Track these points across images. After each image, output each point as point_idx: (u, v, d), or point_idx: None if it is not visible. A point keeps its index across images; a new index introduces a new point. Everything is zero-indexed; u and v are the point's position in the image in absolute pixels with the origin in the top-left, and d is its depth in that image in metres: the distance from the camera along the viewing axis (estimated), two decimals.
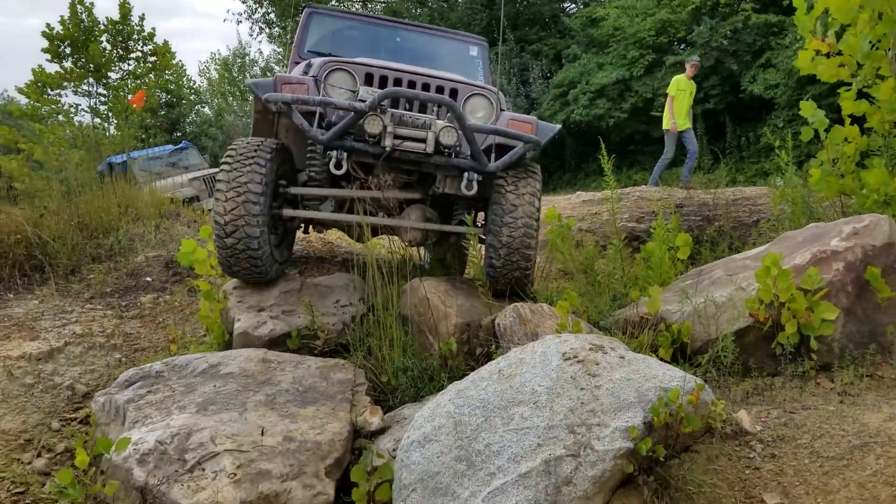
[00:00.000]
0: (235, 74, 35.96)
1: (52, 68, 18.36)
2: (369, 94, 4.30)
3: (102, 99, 19.16)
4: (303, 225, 5.51)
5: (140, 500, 2.96)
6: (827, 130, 5.43)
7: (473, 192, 4.42)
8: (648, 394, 2.84)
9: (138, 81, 19.82)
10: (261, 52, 50.80)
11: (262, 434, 3.22)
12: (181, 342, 4.87)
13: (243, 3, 30.46)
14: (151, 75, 20.93)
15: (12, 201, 7.72)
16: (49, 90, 18.54)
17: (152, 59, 20.74)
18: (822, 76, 5.45)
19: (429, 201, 4.93)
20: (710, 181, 9.56)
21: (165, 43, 20.75)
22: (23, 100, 18.82)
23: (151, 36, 20.38)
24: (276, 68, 32.45)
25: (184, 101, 32.23)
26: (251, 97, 5.04)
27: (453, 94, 4.52)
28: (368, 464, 3.14)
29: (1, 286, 5.83)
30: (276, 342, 4.38)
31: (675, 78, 11.03)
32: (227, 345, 4.54)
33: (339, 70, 4.43)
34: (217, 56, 43.06)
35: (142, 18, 20.06)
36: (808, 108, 5.52)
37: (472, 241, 4.38)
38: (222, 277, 4.73)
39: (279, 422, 3.35)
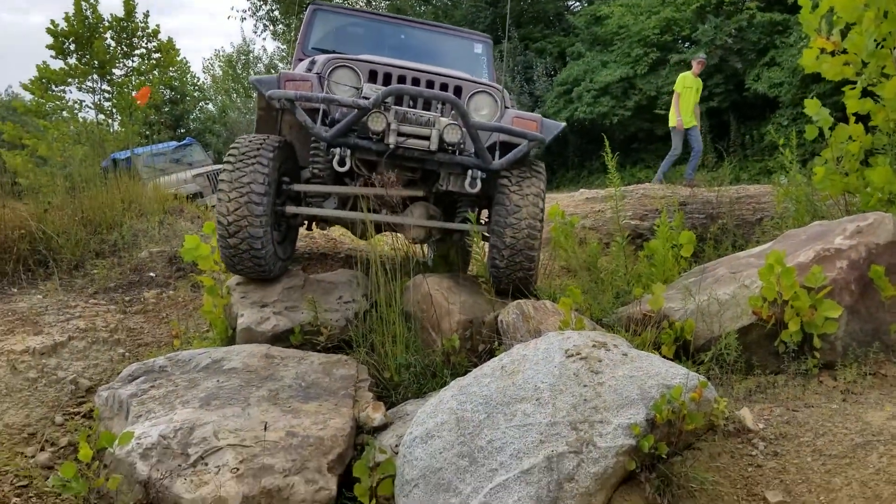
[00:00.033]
0: (239, 71, 35.97)
1: (57, 65, 18.41)
2: (373, 91, 4.29)
3: (106, 95, 19.20)
4: (306, 222, 5.51)
5: (143, 495, 2.96)
6: (831, 129, 5.42)
7: (477, 189, 4.41)
8: (651, 391, 2.84)
9: (142, 78, 19.84)
10: (265, 50, 50.93)
11: (265, 429, 3.22)
12: (184, 337, 4.88)
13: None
14: (155, 72, 20.95)
15: (17, 197, 7.72)
16: (53, 86, 18.58)
17: (156, 55, 20.76)
18: (826, 74, 5.44)
19: (432, 199, 4.91)
20: (713, 179, 9.56)
21: (170, 40, 20.77)
22: (27, 96, 18.89)
23: (156, 33, 20.39)
24: (281, 65, 32.47)
25: (188, 98, 32.28)
26: (255, 94, 5.03)
27: (457, 91, 4.51)
28: (371, 459, 3.14)
29: (5, 281, 5.84)
30: (280, 338, 4.39)
31: (682, 75, 11.01)
32: (231, 340, 4.55)
33: (342, 67, 4.41)
34: (221, 53, 43.09)
35: (146, 15, 20.07)
36: (812, 107, 5.51)
37: (475, 239, 4.38)
38: (226, 273, 4.73)
39: (282, 417, 3.35)
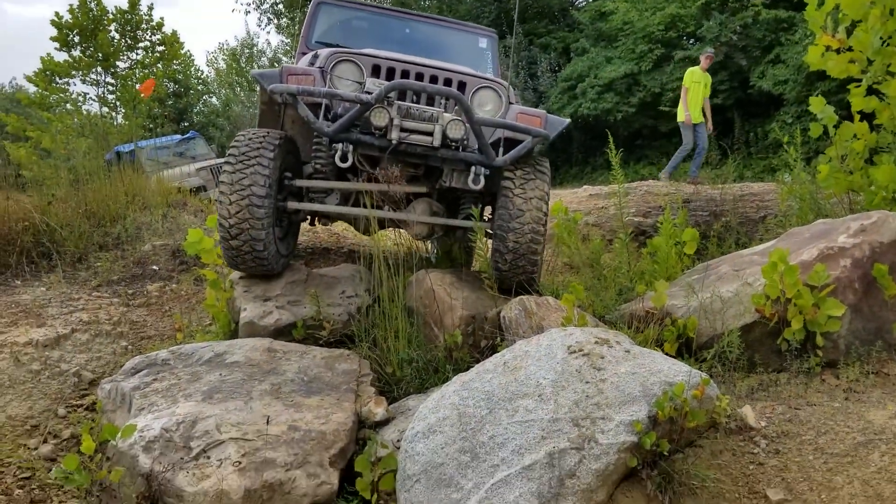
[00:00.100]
0: (243, 65, 35.96)
1: (61, 57, 18.44)
2: (376, 85, 4.26)
3: (110, 88, 19.23)
4: (308, 217, 5.49)
5: (145, 487, 2.97)
6: (836, 126, 5.41)
7: (480, 186, 4.38)
8: (653, 388, 2.84)
9: (146, 71, 19.86)
10: (269, 43, 50.82)
11: (267, 423, 3.23)
12: (187, 331, 4.89)
13: None
14: (159, 65, 20.96)
15: (20, 189, 7.74)
16: (57, 79, 18.61)
17: (161, 48, 20.77)
18: (831, 72, 5.43)
19: (435, 195, 4.89)
20: (717, 176, 9.55)
21: (174, 33, 20.78)
22: (31, 88, 18.90)
23: (160, 25, 20.40)
24: (284, 59, 32.43)
25: (191, 91, 32.28)
26: (258, 88, 5.01)
27: (461, 86, 4.47)
28: (372, 454, 3.15)
29: (8, 273, 5.86)
30: (282, 332, 4.39)
31: (690, 70, 10.97)
32: (233, 334, 4.55)
33: (345, 61, 4.38)
34: (225, 46, 43.06)
35: (150, 8, 20.07)
36: (817, 104, 5.50)
37: (478, 235, 4.37)
38: (228, 267, 4.74)
39: (284, 411, 3.36)
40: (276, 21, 31.52)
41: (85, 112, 17.26)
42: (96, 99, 18.99)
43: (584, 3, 24.96)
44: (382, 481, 3.08)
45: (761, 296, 3.68)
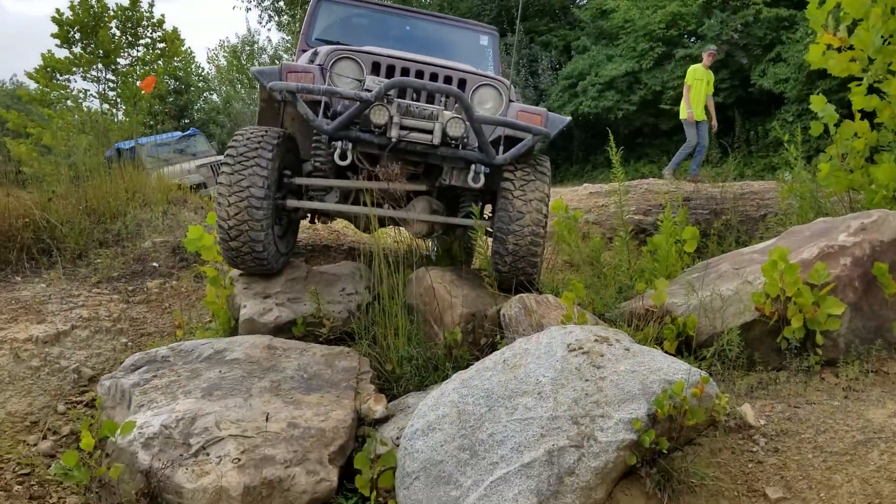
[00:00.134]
0: (244, 62, 35.93)
1: (62, 53, 18.45)
2: (376, 83, 4.23)
3: (111, 85, 19.22)
4: (308, 215, 5.48)
5: (144, 484, 2.97)
6: (837, 125, 5.41)
7: (480, 184, 4.36)
8: (653, 386, 2.84)
9: (147, 68, 19.85)
10: (269, 41, 50.73)
11: (267, 420, 3.23)
12: (187, 328, 4.89)
13: None
14: (160, 62, 20.96)
15: (21, 185, 7.73)
16: (58, 75, 18.61)
17: (161, 45, 20.76)
18: (832, 71, 5.42)
19: (435, 193, 4.87)
20: (718, 175, 9.54)
21: (175, 30, 20.78)
22: (32, 84, 18.91)
23: (161, 22, 20.39)
24: (285, 56, 32.41)
25: (192, 88, 32.26)
26: (258, 85, 5.00)
27: (462, 84, 4.46)
28: (372, 451, 3.15)
29: (9, 269, 5.86)
30: (282, 329, 4.39)
31: (692, 67, 10.93)
32: (233, 331, 4.55)
33: (345, 59, 4.36)
34: (226, 43, 43.04)
35: (151, 5, 20.07)
36: (818, 103, 5.50)
37: (478, 233, 4.37)
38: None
39: (284, 408, 3.36)
40: (276, 18, 31.47)
41: (85, 109, 17.29)
42: (97, 96, 19.00)
43: (586, 1, 24.91)
44: (382, 478, 3.08)
45: (761, 294, 3.69)
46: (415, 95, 4.37)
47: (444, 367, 3.97)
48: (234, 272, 4.84)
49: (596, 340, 3.15)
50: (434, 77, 4.41)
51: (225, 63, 37.81)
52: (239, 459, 2.98)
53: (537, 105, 15.17)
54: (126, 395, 3.55)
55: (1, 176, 7.22)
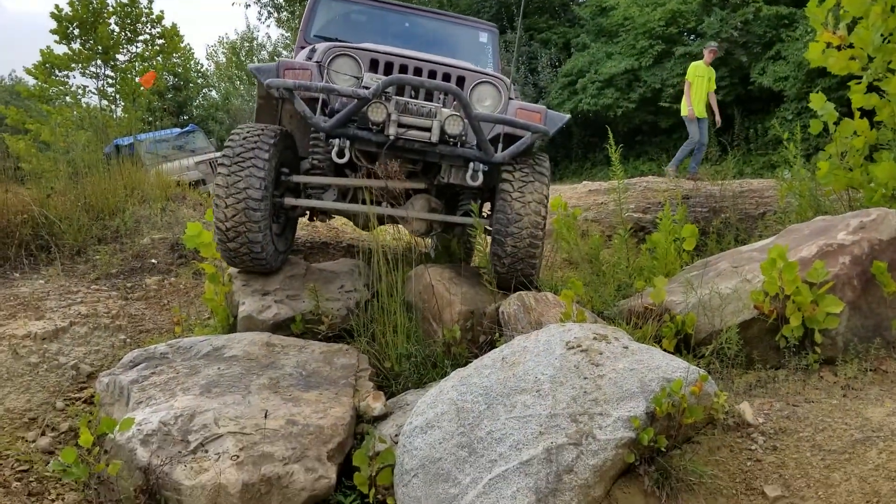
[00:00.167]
0: (243, 58, 35.87)
1: (61, 50, 18.42)
2: (373, 80, 4.21)
3: (110, 81, 19.20)
4: (308, 212, 5.47)
5: (143, 481, 2.97)
6: (836, 123, 5.40)
7: (479, 182, 4.34)
8: (651, 384, 2.84)
9: (146, 64, 19.83)
10: (268, 37, 50.67)
11: (265, 417, 3.23)
12: (186, 324, 4.89)
13: None
14: (159, 58, 20.93)
15: (19, 181, 7.72)
16: (57, 71, 18.59)
17: (160, 41, 20.73)
18: (832, 69, 5.42)
19: (434, 191, 4.86)
20: (717, 173, 9.53)
21: (174, 26, 20.75)
22: (31, 81, 18.88)
23: (160, 19, 20.37)
24: (284, 53, 32.36)
25: (191, 85, 32.21)
26: (256, 82, 4.97)
27: (460, 81, 4.43)
28: (370, 449, 3.15)
29: (7, 266, 5.85)
30: (281, 326, 4.39)
31: (693, 64, 10.91)
32: (232, 328, 4.55)
33: (343, 56, 4.33)
34: (225, 40, 42.95)
35: (150, 1, 20.02)
36: (817, 101, 5.49)
37: (477, 232, 4.36)
38: None
39: (282, 405, 3.36)
40: (276, 15, 31.40)
41: (84, 105, 17.27)
42: (96, 92, 18.98)
43: None
44: (380, 476, 3.08)
45: (760, 292, 3.69)
46: (413, 93, 4.34)
47: (443, 364, 3.97)
48: (233, 269, 4.84)
49: (595, 338, 3.15)
50: (432, 74, 4.39)
51: (224, 59, 37.76)
52: (237, 456, 2.98)
53: (537, 102, 15.16)
54: (125, 391, 3.55)
55: None
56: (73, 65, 18.51)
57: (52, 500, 3.19)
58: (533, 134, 4.26)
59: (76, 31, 18.36)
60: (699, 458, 2.91)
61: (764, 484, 2.75)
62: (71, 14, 18.04)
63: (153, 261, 6.09)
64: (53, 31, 18.07)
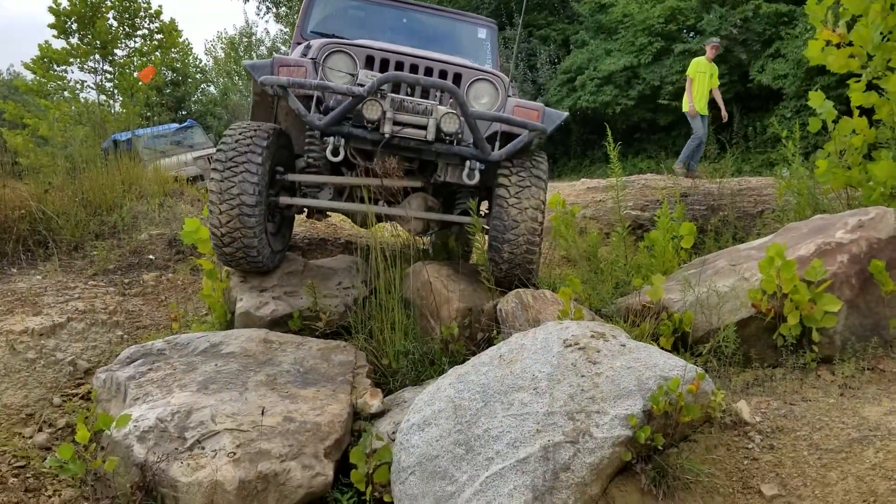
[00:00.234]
0: (241, 54, 35.83)
1: (59, 44, 18.35)
2: (369, 77, 4.15)
3: (108, 76, 19.16)
4: (305, 210, 5.44)
5: (139, 477, 2.97)
6: (835, 122, 5.40)
7: (475, 181, 4.30)
8: (648, 382, 2.84)
9: (144, 59, 19.79)
10: (267, 32, 50.64)
11: (262, 414, 3.23)
12: (183, 321, 4.88)
13: None
14: (157, 53, 20.89)
15: (17, 176, 7.71)
16: (55, 66, 18.52)
17: (159, 36, 20.69)
18: (831, 67, 5.41)
19: (430, 189, 4.83)
20: (715, 171, 9.52)
21: (172, 21, 20.70)
22: (29, 75, 18.82)
23: (158, 13, 20.31)
24: (283, 48, 32.24)
25: (189, 80, 32.14)
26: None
27: (457, 78, 4.40)
28: (367, 446, 3.15)
29: (5, 261, 5.84)
30: (278, 323, 4.38)
31: (695, 60, 10.88)
32: (229, 324, 4.55)
33: (338, 52, 4.28)
34: (224, 35, 42.91)
35: None
36: (816, 99, 5.49)
37: (475, 230, 4.35)
38: None
39: (279, 402, 3.36)
40: (274, 10, 31.41)
41: (82, 100, 17.24)
42: (94, 87, 18.93)
43: None
44: (377, 473, 3.08)
45: (758, 291, 3.69)
46: (409, 90, 4.30)
47: (441, 361, 3.97)
48: None
49: (592, 336, 3.15)
50: (429, 71, 4.35)
51: (222, 55, 37.71)
52: (234, 453, 2.98)
53: (535, 99, 15.13)
54: (121, 388, 3.54)
55: None
56: (71, 59, 18.43)
57: (49, 497, 3.18)
58: (530, 132, 4.23)
59: (74, 26, 18.29)
60: (696, 456, 2.91)
61: (761, 483, 2.75)
62: (69, 8, 17.98)
63: (151, 257, 6.08)
64: (51, 26, 18.00)
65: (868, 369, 3.53)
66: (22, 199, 6.16)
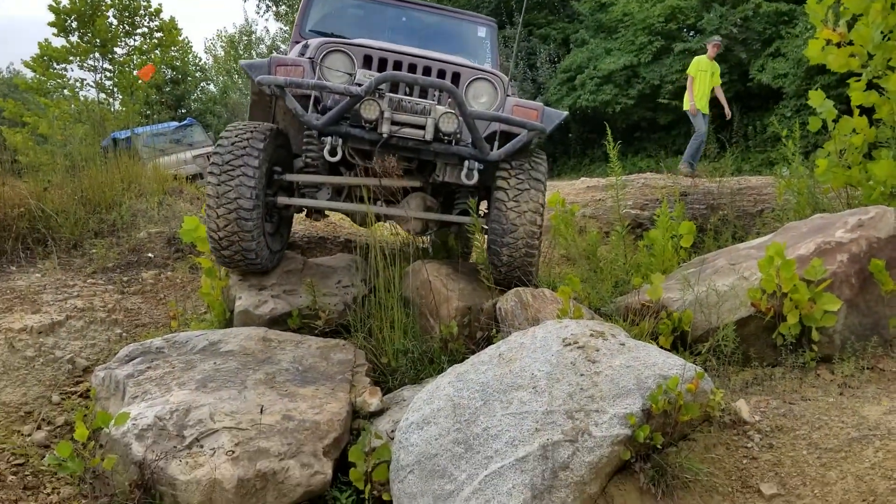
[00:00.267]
0: (241, 52, 35.80)
1: (59, 42, 18.34)
2: (367, 77, 4.12)
3: (108, 74, 19.15)
4: (305, 209, 5.43)
5: (138, 475, 2.97)
6: (835, 121, 5.39)
7: (474, 181, 4.29)
8: (648, 381, 2.84)
9: (144, 57, 19.78)
10: (267, 30, 50.64)
11: (261, 412, 3.22)
12: (182, 319, 4.88)
13: None
14: (157, 51, 20.88)
15: (16, 174, 7.70)
16: (55, 64, 18.52)
17: (158, 34, 20.68)
18: (831, 66, 5.41)
19: (429, 189, 4.81)
20: (715, 170, 9.52)
21: (172, 19, 20.69)
22: (29, 73, 18.83)
23: (158, 12, 20.30)
24: (283, 47, 32.20)
25: (189, 78, 32.11)
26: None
27: (455, 78, 4.37)
28: (366, 444, 3.15)
29: (4, 259, 5.84)
30: (277, 321, 4.38)
31: (696, 59, 10.86)
32: (228, 322, 4.54)
33: (336, 52, 4.25)
34: (223, 33, 42.90)
35: None
36: (816, 98, 5.48)
37: (475, 229, 4.34)
38: None
39: (278, 400, 3.35)
40: (274, 8, 31.40)
41: (82, 98, 17.25)
42: (94, 85, 18.92)
43: None
44: (376, 472, 3.08)
45: (757, 290, 3.68)
46: (407, 90, 4.28)
47: (440, 360, 3.97)
48: None
49: (591, 335, 3.15)
50: (427, 71, 4.32)
51: (222, 53, 37.68)
52: (233, 452, 2.98)
53: (535, 98, 15.13)
54: (120, 386, 3.54)
55: None
56: (70, 58, 18.42)
57: (48, 494, 3.18)
58: (529, 132, 4.22)
59: (74, 24, 18.28)
60: (695, 455, 2.91)
61: (760, 482, 2.75)
62: (69, 6, 17.97)
63: (150, 255, 6.08)
64: (51, 24, 17.99)
65: (867, 368, 3.53)
66: (21, 197, 6.16)
